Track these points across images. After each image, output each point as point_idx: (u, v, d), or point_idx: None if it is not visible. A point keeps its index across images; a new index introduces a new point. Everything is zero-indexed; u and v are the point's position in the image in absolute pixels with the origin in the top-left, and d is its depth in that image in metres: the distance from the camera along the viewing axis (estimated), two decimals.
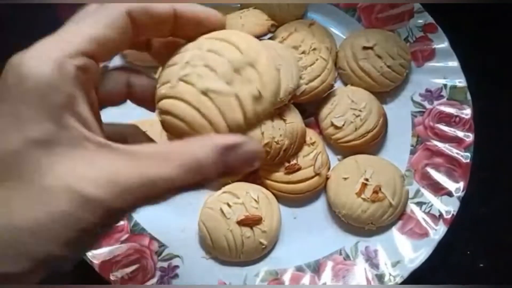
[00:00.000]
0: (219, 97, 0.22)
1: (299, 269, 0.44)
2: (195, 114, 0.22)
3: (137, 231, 0.46)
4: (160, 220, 0.47)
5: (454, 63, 0.50)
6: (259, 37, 0.46)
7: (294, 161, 0.46)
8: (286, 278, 0.44)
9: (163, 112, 0.23)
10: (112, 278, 0.42)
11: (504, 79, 0.54)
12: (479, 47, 0.54)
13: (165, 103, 0.23)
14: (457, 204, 0.45)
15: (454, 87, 0.49)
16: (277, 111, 0.45)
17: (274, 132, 0.45)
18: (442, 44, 0.51)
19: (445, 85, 0.50)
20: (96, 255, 0.43)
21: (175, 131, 0.23)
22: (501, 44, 0.55)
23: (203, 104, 0.22)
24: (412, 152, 0.48)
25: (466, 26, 0.54)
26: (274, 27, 0.48)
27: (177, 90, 0.22)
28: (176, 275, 0.44)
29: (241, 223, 0.43)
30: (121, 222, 0.46)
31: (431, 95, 0.50)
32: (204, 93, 0.22)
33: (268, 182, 0.47)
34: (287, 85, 0.44)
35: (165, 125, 0.23)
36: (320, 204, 0.48)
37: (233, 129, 0.22)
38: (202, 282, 0.43)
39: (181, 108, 0.22)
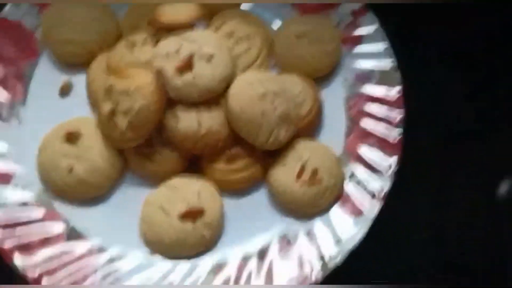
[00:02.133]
0: None
1: (245, 258, 0.45)
2: None
3: (74, 237, 0.44)
4: (100, 222, 0.46)
5: (384, 45, 0.52)
6: (187, 26, 0.45)
7: (234, 150, 0.46)
8: (233, 268, 0.44)
9: None
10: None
11: (433, 58, 0.57)
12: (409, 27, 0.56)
13: None
14: (390, 180, 0.46)
15: (383, 69, 0.51)
16: (213, 100, 0.45)
17: (212, 121, 0.44)
18: (371, 26, 0.52)
19: (375, 68, 0.51)
20: (29, 268, 0.41)
21: None
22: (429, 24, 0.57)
23: None
24: (347, 134, 0.50)
25: (394, 6, 0.56)
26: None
27: None
28: (117, 279, 0.43)
29: (182, 216, 0.43)
30: (57, 230, 0.44)
31: (362, 78, 0.52)
32: None
33: (210, 172, 0.47)
34: (221, 74, 0.44)
35: None
36: (263, 191, 0.48)
37: None
38: (147, 280, 0.43)
39: None
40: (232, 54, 0.47)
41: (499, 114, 0.55)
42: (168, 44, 0.44)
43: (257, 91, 0.44)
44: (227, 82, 0.45)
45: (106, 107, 0.43)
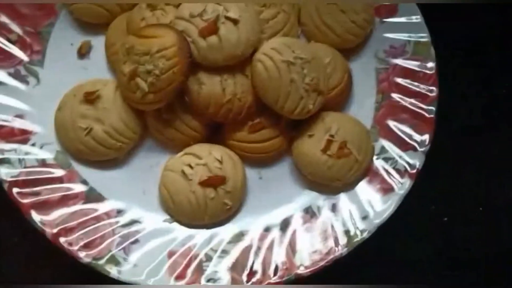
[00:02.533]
0: None
1: (266, 229, 0.43)
2: None
3: (93, 197, 0.43)
4: (119, 185, 0.44)
5: (418, 18, 0.49)
6: None
7: (258, 120, 0.44)
8: (254, 238, 0.43)
9: None
10: (65, 246, 0.39)
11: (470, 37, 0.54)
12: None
13: None
14: (422, 158, 0.44)
15: (418, 43, 0.49)
16: (238, 66, 0.43)
17: (236, 88, 0.42)
18: None
19: (408, 41, 0.49)
20: (48, 223, 0.40)
21: None
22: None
23: None
24: (377, 109, 0.48)
25: None
26: None
27: None
28: (137, 240, 0.42)
29: (204, 184, 0.41)
30: (76, 189, 0.43)
31: (395, 51, 0.49)
32: None
33: (232, 142, 0.45)
34: (248, 38, 0.42)
35: None
36: (286, 163, 0.46)
37: None
38: (164, 246, 0.41)
39: None
40: (260, 18, 0.44)
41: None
42: (192, 5, 0.42)
43: (286, 57, 0.42)
44: (254, 47, 0.42)
45: (127, 67, 0.41)
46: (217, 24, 0.41)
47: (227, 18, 0.41)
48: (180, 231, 0.42)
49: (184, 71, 0.41)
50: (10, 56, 0.46)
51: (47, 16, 0.48)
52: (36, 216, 0.41)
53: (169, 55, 0.40)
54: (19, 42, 0.47)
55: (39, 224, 0.40)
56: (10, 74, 0.45)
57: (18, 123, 0.44)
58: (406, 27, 0.49)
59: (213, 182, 0.42)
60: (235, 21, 0.41)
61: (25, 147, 0.44)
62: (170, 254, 0.41)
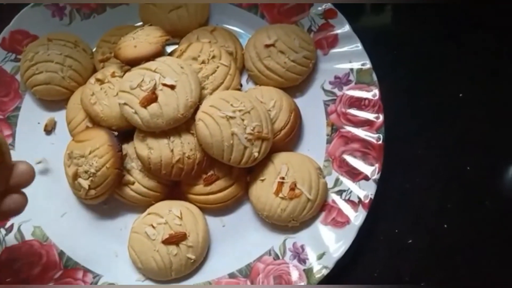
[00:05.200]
0: None
1: (232, 276, 0.45)
2: None
3: (70, 266, 0.46)
4: (93, 250, 0.47)
5: (358, 46, 0.50)
6: (154, 56, 0.46)
7: (211, 172, 0.47)
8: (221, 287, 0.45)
9: None
10: None
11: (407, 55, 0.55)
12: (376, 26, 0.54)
13: None
14: (373, 186, 0.45)
15: (360, 70, 0.49)
16: (184, 126, 0.45)
17: (183, 147, 0.45)
18: (343, 28, 0.51)
19: (351, 69, 0.50)
20: None
21: None
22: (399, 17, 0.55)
23: None
24: (329, 141, 0.49)
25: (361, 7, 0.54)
26: (169, 41, 0.48)
27: None
28: None
29: (166, 242, 0.44)
30: (55, 259, 0.46)
31: (340, 80, 0.50)
32: None
33: (191, 196, 0.47)
34: (187, 100, 0.44)
35: None
36: (246, 208, 0.48)
37: None
38: None
39: None
40: (199, 76, 0.47)
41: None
42: (131, 77, 0.44)
43: (225, 112, 0.44)
44: (193, 108, 0.45)
45: (70, 170, 0.46)
46: (156, 92, 0.44)
47: (164, 84, 0.44)
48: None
49: (117, 164, 0.45)
50: None
51: (12, 101, 0.52)
52: None
53: (101, 153, 0.44)
54: None
55: None
56: None
57: None
58: (348, 56, 0.50)
59: (174, 239, 0.44)
60: (172, 87, 0.44)
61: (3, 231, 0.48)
62: None
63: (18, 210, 0.34)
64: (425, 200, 0.49)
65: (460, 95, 0.53)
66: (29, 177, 0.34)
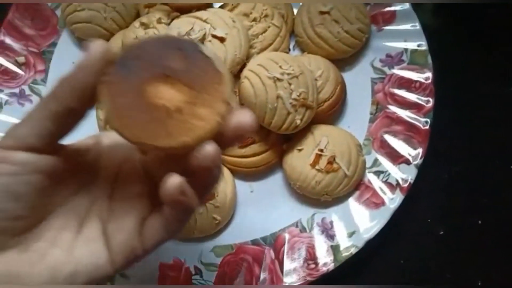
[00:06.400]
0: None
1: (255, 242, 0.44)
2: None
3: None
4: None
5: (416, 26, 0.48)
6: (206, 6, 0.44)
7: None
8: (243, 252, 0.44)
9: None
10: None
11: (467, 41, 0.52)
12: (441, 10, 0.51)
13: None
14: (414, 171, 0.43)
15: (415, 51, 0.47)
16: None
17: None
18: (403, 5, 0.48)
19: (405, 49, 0.48)
20: None
21: None
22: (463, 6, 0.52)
23: None
24: (372, 120, 0.47)
25: None
26: None
27: None
28: None
29: None
30: None
31: (392, 60, 0.48)
32: None
33: (222, 156, 0.46)
34: (235, 55, 0.42)
35: None
36: (277, 177, 0.47)
37: None
38: (156, 260, 0.43)
39: None
40: (249, 33, 0.45)
41: None
42: (180, 24, 0.43)
43: (273, 73, 0.42)
44: (241, 64, 0.43)
45: (101, 114, 0.45)
46: (204, 42, 0.42)
47: (214, 36, 0.42)
48: (170, 244, 0.44)
49: None
50: (15, 76, 0.49)
51: (49, 36, 0.51)
52: None
53: None
54: (24, 63, 0.50)
55: None
56: (14, 95, 0.48)
57: None
58: (403, 35, 0.48)
59: None
60: (221, 39, 0.42)
61: None
62: (161, 266, 0.43)
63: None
64: (460, 193, 0.47)
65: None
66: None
